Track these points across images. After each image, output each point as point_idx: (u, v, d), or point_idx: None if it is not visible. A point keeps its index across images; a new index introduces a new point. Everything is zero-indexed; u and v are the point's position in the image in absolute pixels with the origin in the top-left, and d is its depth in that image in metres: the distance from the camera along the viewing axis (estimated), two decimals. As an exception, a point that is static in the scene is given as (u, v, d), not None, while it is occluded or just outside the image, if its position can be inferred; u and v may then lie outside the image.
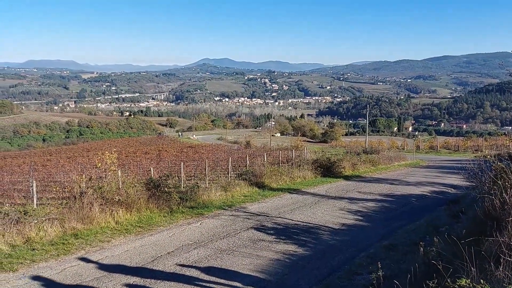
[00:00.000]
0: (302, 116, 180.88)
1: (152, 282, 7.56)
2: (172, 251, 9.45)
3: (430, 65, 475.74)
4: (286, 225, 12.03)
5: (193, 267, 8.36)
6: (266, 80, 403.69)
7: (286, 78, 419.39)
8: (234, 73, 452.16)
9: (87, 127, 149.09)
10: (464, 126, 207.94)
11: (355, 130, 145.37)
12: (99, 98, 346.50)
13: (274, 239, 10.46)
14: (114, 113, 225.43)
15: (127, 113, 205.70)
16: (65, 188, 13.97)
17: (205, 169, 19.45)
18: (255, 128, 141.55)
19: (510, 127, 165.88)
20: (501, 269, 4.85)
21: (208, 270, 8.12)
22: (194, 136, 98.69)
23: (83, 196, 11.81)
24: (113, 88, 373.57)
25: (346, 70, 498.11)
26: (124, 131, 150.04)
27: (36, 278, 7.77)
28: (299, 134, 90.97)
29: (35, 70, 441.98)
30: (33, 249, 9.31)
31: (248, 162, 22.73)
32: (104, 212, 11.71)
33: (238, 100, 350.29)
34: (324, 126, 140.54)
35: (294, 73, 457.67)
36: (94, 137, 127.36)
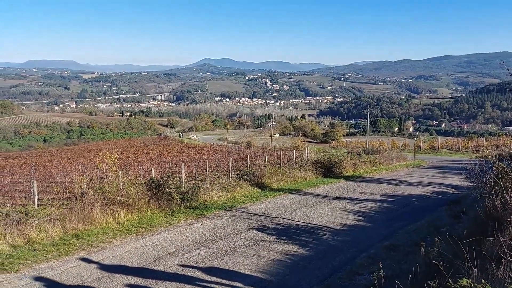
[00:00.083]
0: (303, 116, 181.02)
1: (154, 282, 7.56)
2: (173, 252, 9.45)
3: (431, 65, 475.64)
4: (287, 225, 12.03)
5: (194, 267, 8.36)
6: (267, 80, 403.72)
7: (287, 78, 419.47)
8: (235, 73, 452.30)
9: (88, 127, 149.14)
10: (465, 126, 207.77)
11: (356, 130, 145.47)
12: (100, 98, 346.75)
13: (275, 240, 10.46)
14: (115, 113, 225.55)
15: (128, 114, 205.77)
16: (66, 189, 13.97)
17: (206, 169, 19.45)
18: (256, 128, 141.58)
19: (511, 127, 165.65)
20: (502, 269, 4.85)
21: (209, 271, 8.13)
22: (195, 136, 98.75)
23: (84, 197, 11.82)
24: (113, 88, 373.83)
25: (347, 70, 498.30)
26: (125, 131, 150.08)
27: (37, 278, 7.78)
28: (300, 134, 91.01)
29: (36, 70, 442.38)
30: (35, 250, 9.32)
31: (249, 162, 22.72)
32: (105, 213, 11.71)
33: (239, 101, 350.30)
34: (325, 126, 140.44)
35: (295, 73, 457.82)
36: (95, 138, 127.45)
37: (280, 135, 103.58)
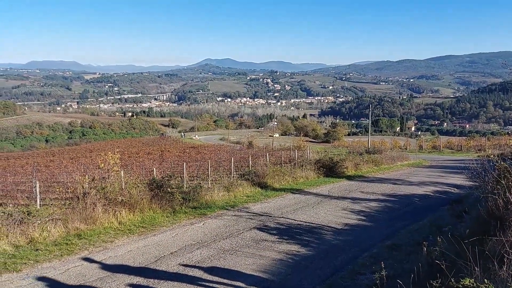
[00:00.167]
0: (304, 116, 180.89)
1: (156, 282, 7.56)
2: (175, 251, 9.45)
3: (432, 64, 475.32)
4: (289, 225, 12.02)
5: (196, 267, 8.36)
6: (269, 80, 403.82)
7: (288, 78, 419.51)
8: (236, 74, 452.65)
9: (89, 127, 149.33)
10: (467, 126, 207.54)
11: (358, 130, 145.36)
12: (102, 98, 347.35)
13: (277, 239, 10.46)
14: (117, 113, 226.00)
15: (130, 114, 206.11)
16: (68, 189, 14.00)
17: (208, 169, 19.44)
18: (258, 128, 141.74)
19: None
20: (505, 268, 4.84)
21: (211, 270, 8.13)
22: (196, 136, 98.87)
23: (86, 197, 11.83)
24: (115, 88, 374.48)
25: (349, 70, 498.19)
26: (126, 131, 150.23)
27: (40, 278, 7.78)
28: (302, 134, 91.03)
29: (38, 71, 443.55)
30: (37, 250, 9.33)
31: (250, 162, 22.71)
32: (107, 213, 11.72)
33: (240, 101, 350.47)
34: (326, 126, 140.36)
35: (296, 73, 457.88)
36: (96, 138, 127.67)
37: (281, 135, 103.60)
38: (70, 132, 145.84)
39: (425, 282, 5.16)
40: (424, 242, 6.96)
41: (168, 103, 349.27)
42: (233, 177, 19.71)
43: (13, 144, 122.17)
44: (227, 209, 14.20)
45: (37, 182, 12.07)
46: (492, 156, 11.35)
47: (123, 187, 13.17)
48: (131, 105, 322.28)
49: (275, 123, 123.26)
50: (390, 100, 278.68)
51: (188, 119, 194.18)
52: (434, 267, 5.83)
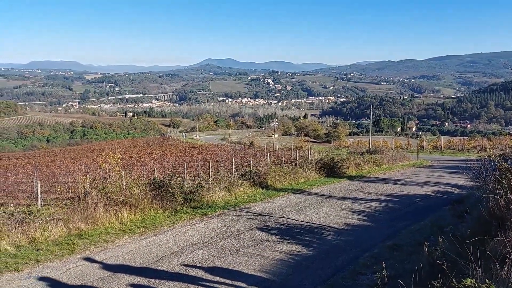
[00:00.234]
0: (305, 116, 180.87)
1: (157, 282, 7.56)
2: (176, 251, 9.46)
3: (434, 64, 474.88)
4: (290, 225, 12.02)
5: (197, 267, 8.36)
6: (269, 80, 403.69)
7: (289, 78, 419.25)
8: (237, 74, 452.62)
9: (91, 127, 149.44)
10: (468, 126, 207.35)
11: (359, 130, 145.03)
12: (103, 98, 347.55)
13: (278, 239, 10.46)
14: (118, 113, 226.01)
15: (131, 114, 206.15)
16: (69, 189, 14.01)
17: (209, 169, 19.44)
18: (259, 128, 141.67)
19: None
20: (506, 269, 4.84)
21: (212, 270, 8.13)
22: (197, 136, 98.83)
23: (87, 197, 11.84)
24: (116, 88, 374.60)
25: (350, 70, 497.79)
26: (127, 131, 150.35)
27: (41, 278, 7.79)
28: (303, 134, 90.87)
29: (39, 71, 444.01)
30: (38, 249, 9.34)
31: (251, 162, 22.72)
32: (108, 213, 11.73)
33: (241, 101, 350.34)
34: (327, 126, 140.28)
35: (297, 73, 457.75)
36: (98, 138, 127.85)
37: (282, 135, 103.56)
38: (71, 132, 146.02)
39: (427, 282, 5.16)
40: (425, 242, 6.96)
41: (169, 103, 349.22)
42: (234, 177, 19.71)
43: (14, 144, 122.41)
44: (228, 209, 14.20)
45: (38, 182, 12.08)
46: (493, 156, 11.32)
47: (124, 187, 13.18)
48: (132, 105, 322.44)
49: (276, 123, 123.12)
50: (391, 100, 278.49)
51: (189, 119, 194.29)
52: (435, 267, 5.83)
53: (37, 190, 11.80)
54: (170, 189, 13.81)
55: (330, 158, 25.20)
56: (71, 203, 11.91)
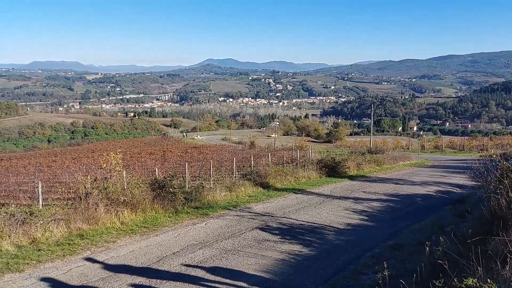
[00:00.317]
0: (306, 116, 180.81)
1: (158, 282, 7.57)
2: (177, 251, 9.46)
3: (435, 64, 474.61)
4: (291, 225, 12.02)
5: (198, 267, 8.36)
6: (270, 80, 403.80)
7: (290, 78, 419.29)
8: (238, 74, 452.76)
9: (92, 128, 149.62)
10: (469, 126, 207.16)
11: (360, 130, 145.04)
12: (104, 99, 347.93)
13: (279, 239, 10.46)
14: (119, 114, 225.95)
15: (132, 114, 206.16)
16: (70, 189, 13.99)
17: (210, 169, 19.44)
18: (260, 128, 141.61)
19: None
20: (507, 268, 4.83)
21: (213, 270, 8.13)
22: (198, 136, 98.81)
23: (88, 197, 11.85)
24: (117, 89, 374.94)
25: (351, 70, 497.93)
26: (128, 131, 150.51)
27: (42, 278, 7.79)
28: (304, 134, 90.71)
29: (40, 71, 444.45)
30: (39, 250, 9.34)
31: (252, 162, 22.72)
32: (109, 213, 11.73)
33: (242, 101, 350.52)
34: (328, 126, 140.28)
35: (298, 73, 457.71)
36: (99, 138, 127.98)
37: (283, 134, 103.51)
38: (72, 132, 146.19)
39: (428, 282, 5.16)
40: (426, 242, 6.94)
41: (170, 103, 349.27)
42: (235, 177, 19.71)
43: (15, 144, 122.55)
44: (229, 209, 14.20)
45: (40, 182, 12.08)
46: (494, 155, 11.30)
47: (125, 187, 13.18)
48: (133, 105, 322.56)
49: (277, 123, 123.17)
50: (392, 100, 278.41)
51: (190, 119, 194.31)
52: (436, 267, 5.83)
53: (38, 190, 11.80)
54: (171, 189, 13.81)
55: (331, 158, 25.20)
56: (72, 203, 11.91)
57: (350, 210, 14.29)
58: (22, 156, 61.54)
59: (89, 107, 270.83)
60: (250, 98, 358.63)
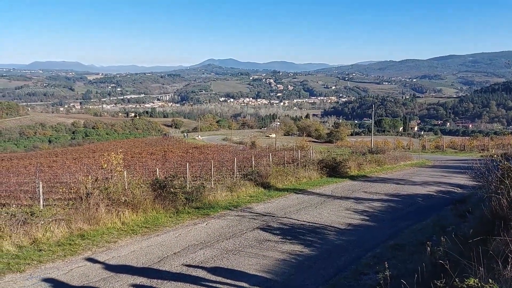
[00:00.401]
0: (307, 116, 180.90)
1: (159, 282, 7.57)
2: (178, 252, 9.46)
3: (435, 64, 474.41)
4: (292, 225, 12.01)
5: (199, 267, 8.36)
6: (271, 81, 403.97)
7: (291, 78, 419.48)
8: (239, 74, 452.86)
9: (92, 128, 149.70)
10: (470, 126, 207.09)
11: (361, 130, 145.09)
12: (105, 99, 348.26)
13: (280, 239, 10.45)
14: (120, 114, 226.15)
15: (133, 114, 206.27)
16: (71, 189, 14.01)
17: (211, 169, 19.45)
18: (260, 128, 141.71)
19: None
20: (509, 268, 4.83)
21: (214, 270, 8.13)
22: (199, 136, 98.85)
23: (89, 197, 11.85)
24: (118, 89, 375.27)
25: (351, 70, 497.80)
26: (129, 132, 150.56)
27: (43, 279, 7.79)
28: (305, 134, 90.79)
29: (41, 71, 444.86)
30: (40, 250, 9.35)
31: (253, 162, 22.72)
32: (110, 213, 11.73)
33: (243, 101, 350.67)
34: (329, 126, 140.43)
35: (299, 73, 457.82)
36: (99, 138, 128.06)
37: (284, 135, 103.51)
38: (73, 132, 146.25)
39: (429, 282, 5.15)
40: (427, 242, 6.94)
41: (171, 103, 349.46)
42: (236, 177, 19.71)
43: (16, 144, 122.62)
44: (230, 209, 14.20)
45: (40, 182, 12.09)
46: (495, 155, 11.32)
47: (126, 187, 13.19)
48: (134, 106, 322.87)
49: (278, 123, 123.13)
50: (393, 100, 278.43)
51: (191, 119, 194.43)
52: (438, 267, 5.82)
53: (39, 190, 11.81)
54: (172, 190, 13.81)
55: (332, 158, 25.18)
56: (73, 203, 11.91)
57: (351, 210, 14.28)
58: (23, 156, 61.62)
59: (90, 107, 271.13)
60: (251, 98, 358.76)
